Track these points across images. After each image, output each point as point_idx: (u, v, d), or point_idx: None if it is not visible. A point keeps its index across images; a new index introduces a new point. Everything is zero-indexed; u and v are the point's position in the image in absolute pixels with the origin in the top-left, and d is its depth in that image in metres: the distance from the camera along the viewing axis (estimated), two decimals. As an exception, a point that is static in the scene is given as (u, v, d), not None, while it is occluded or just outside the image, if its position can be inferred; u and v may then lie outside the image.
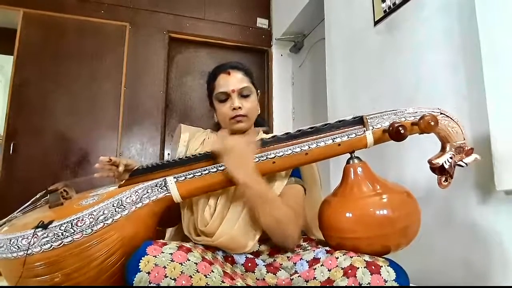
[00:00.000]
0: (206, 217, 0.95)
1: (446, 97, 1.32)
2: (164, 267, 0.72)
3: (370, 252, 0.82)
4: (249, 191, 0.88)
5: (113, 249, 0.80)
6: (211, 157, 0.91)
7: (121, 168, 1.02)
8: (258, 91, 1.15)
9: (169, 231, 1.16)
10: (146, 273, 0.72)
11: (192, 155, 0.93)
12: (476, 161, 0.90)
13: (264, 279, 0.89)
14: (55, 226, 0.79)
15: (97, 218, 0.81)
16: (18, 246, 0.78)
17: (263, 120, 1.24)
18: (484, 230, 1.16)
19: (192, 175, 0.90)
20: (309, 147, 0.90)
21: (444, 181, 0.91)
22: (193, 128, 1.19)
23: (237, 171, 0.87)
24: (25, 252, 0.77)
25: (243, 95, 1.07)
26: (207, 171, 0.90)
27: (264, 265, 0.92)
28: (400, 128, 0.83)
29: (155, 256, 0.74)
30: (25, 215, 0.91)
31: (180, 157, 0.95)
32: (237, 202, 0.96)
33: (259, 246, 0.98)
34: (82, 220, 0.80)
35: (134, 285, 0.72)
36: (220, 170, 0.90)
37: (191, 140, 1.14)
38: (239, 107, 1.05)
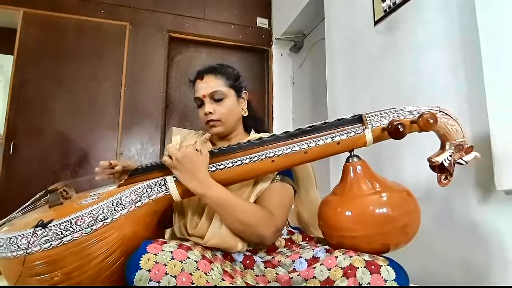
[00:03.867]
0: (195, 220, 0.95)
1: (446, 97, 1.32)
2: (165, 265, 0.73)
3: (369, 251, 0.82)
4: (206, 200, 0.88)
5: (112, 248, 0.81)
6: (210, 156, 0.91)
7: (118, 168, 1.02)
8: (244, 92, 1.13)
9: (168, 231, 1.16)
10: (147, 270, 0.72)
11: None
12: (476, 159, 0.90)
13: (263, 275, 0.89)
14: (54, 225, 0.79)
15: (97, 217, 0.81)
16: (17, 245, 0.78)
17: (257, 120, 1.21)
18: (484, 230, 1.15)
19: (191, 174, 0.90)
20: (308, 145, 0.90)
21: (444, 179, 0.91)
22: (184, 131, 1.20)
23: (189, 183, 0.87)
24: (25, 251, 0.77)
25: (215, 99, 1.07)
26: (206, 170, 0.89)
27: (262, 261, 0.93)
28: (399, 126, 0.83)
29: (156, 254, 0.74)
30: (25, 215, 0.91)
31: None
32: None
33: (255, 245, 0.98)
34: (81, 219, 0.81)
35: (134, 282, 0.72)
36: (219, 169, 0.90)
37: (183, 142, 1.14)
38: (210, 112, 1.05)
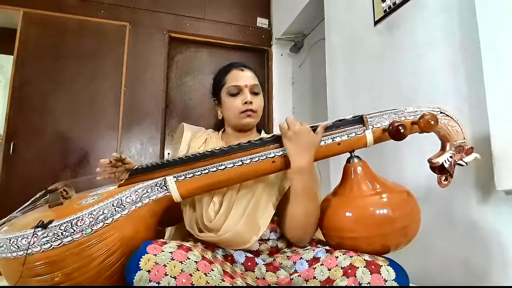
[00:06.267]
0: (210, 214, 0.95)
1: (446, 97, 1.32)
2: (164, 266, 0.73)
3: (369, 252, 0.82)
4: (300, 178, 0.89)
5: (113, 249, 0.80)
6: (210, 156, 0.91)
7: (120, 168, 1.02)
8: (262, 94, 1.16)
9: (169, 231, 1.16)
10: (146, 271, 0.72)
11: (192, 155, 0.93)
12: (476, 160, 0.90)
13: (264, 278, 0.89)
14: (55, 226, 0.79)
15: (97, 218, 0.81)
16: (18, 246, 0.78)
17: (263, 122, 1.25)
18: (484, 230, 1.15)
19: (192, 175, 0.90)
20: (309, 146, 0.90)
21: (444, 180, 0.91)
22: (195, 128, 1.20)
23: (297, 156, 0.88)
24: (25, 251, 0.77)
25: (254, 92, 1.10)
26: (207, 171, 0.90)
27: (263, 264, 0.93)
28: (400, 127, 0.83)
29: (155, 255, 0.74)
30: (25, 215, 0.91)
31: (180, 156, 0.95)
32: (242, 198, 0.97)
33: (259, 246, 0.98)
34: (82, 219, 0.80)
35: (134, 283, 0.72)
36: (219, 169, 0.90)
37: (193, 139, 1.14)
38: (251, 102, 1.07)
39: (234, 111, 1.09)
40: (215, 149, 0.93)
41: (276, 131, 1.32)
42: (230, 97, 1.09)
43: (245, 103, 1.07)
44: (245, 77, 1.10)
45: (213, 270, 0.77)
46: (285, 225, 0.96)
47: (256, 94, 1.10)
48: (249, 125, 1.11)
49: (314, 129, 0.92)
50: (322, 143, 0.91)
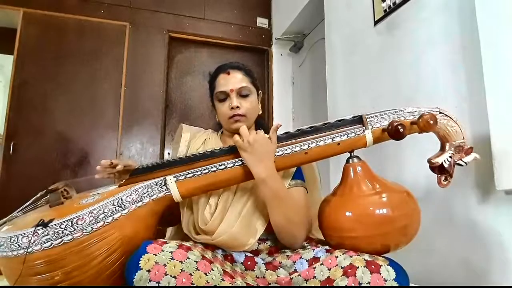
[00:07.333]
0: (206, 216, 0.95)
1: (446, 97, 1.32)
2: (164, 265, 0.73)
3: (369, 251, 0.82)
4: (266, 187, 0.89)
5: (113, 248, 0.81)
6: (210, 156, 0.92)
7: (119, 167, 1.02)
8: (260, 92, 1.15)
9: (169, 231, 1.16)
10: (147, 271, 0.72)
11: (192, 154, 0.93)
12: (476, 160, 0.90)
13: (264, 277, 0.89)
14: (55, 225, 0.79)
15: (97, 217, 0.82)
16: (18, 244, 0.78)
17: (264, 120, 1.24)
18: (484, 230, 1.16)
19: (192, 175, 0.90)
20: (309, 146, 0.90)
21: (443, 180, 0.91)
22: (194, 128, 1.20)
23: (257, 167, 0.88)
24: (26, 250, 0.77)
25: (242, 94, 1.07)
26: (207, 171, 0.90)
27: (263, 263, 0.93)
28: (399, 127, 0.83)
29: (155, 255, 0.74)
30: (26, 215, 0.91)
31: (181, 156, 0.95)
32: (238, 201, 0.97)
33: (258, 245, 0.98)
34: (82, 218, 0.81)
35: (134, 283, 0.72)
36: (220, 169, 0.90)
37: (192, 140, 1.14)
38: (237, 107, 1.05)
39: (223, 117, 1.09)
40: (215, 149, 0.93)
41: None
42: (219, 102, 1.09)
43: (232, 108, 1.06)
44: (231, 81, 1.07)
45: (213, 270, 0.77)
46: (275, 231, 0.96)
47: (245, 96, 1.07)
48: (238, 129, 1.10)
49: (312, 129, 0.92)
50: (322, 143, 0.90)
